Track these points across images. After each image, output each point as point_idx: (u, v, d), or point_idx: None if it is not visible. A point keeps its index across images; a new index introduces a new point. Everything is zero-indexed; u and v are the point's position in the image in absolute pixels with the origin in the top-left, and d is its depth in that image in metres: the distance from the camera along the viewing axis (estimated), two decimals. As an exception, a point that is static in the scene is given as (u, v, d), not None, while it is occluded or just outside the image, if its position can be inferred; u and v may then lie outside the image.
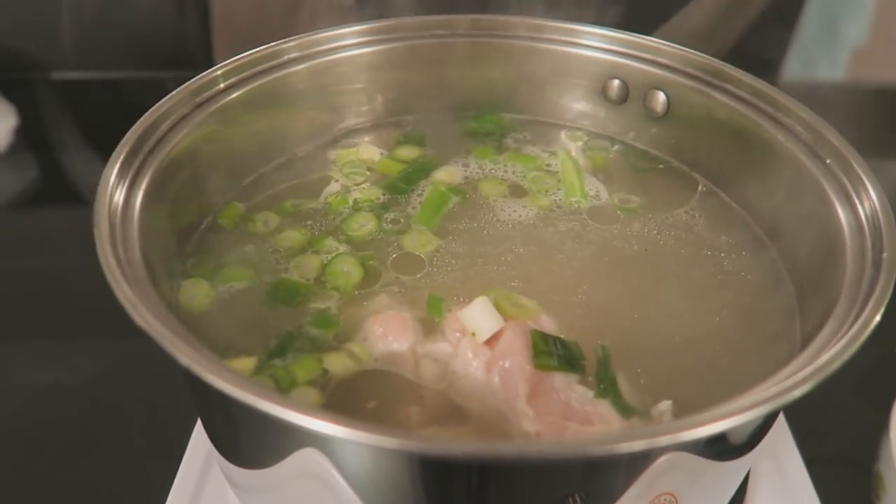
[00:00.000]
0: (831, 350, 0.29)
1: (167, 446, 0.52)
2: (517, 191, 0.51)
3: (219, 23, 1.17)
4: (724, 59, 0.49)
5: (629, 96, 0.55)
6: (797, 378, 0.28)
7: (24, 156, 0.90)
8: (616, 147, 0.56)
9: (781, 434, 0.53)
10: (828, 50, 1.87)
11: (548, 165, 0.53)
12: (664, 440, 0.26)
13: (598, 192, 0.51)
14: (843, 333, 0.30)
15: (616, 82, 0.55)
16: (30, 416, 0.58)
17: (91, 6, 1.08)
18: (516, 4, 0.59)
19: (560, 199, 0.50)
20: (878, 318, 0.31)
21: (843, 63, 1.86)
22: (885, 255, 0.33)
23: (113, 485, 0.53)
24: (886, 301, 0.31)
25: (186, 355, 0.29)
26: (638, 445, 0.26)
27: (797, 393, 0.28)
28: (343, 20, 0.53)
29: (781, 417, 0.54)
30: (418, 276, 0.44)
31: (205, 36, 1.10)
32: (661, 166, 0.54)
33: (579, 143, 0.56)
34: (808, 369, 0.29)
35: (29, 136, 0.90)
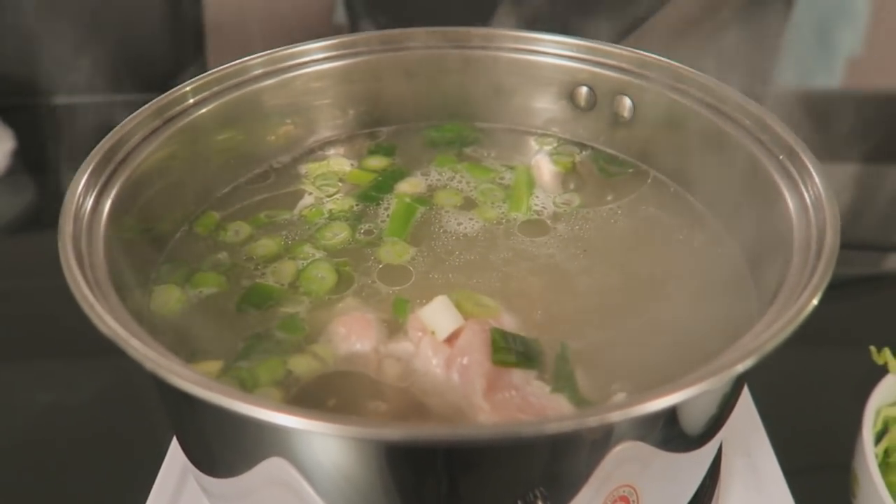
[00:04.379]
0: (768, 332, 0.30)
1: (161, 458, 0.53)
2: (469, 202, 0.52)
3: (213, 46, 1.20)
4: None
5: (597, 102, 0.56)
6: (732, 357, 0.29)
7: (22, 178, 0.92)
8: (586, 152, 0.57)
9: (755, 432, 0.54)
10: (823, 59, 1.88)
11: (501, 179, 0.54)
12: (592, 420, 0.27)
13: (544, 206, 0.52)
14: (783, 317, 0.31)
15: (584, 89, 0.56)
16: (30, 433, 0.59)
17: (87, 32, 1.11)
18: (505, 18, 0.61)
19: (504, 212, 0.51)
20: (814, 301, 0.31)
21: (839, 72, 1.86)
22: (826, 240, 0.34)
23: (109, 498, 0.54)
24: (824, 286, 0.32)
25: (143, 355, 0.30)
26: (567, 426, 0.27)
27: (729, 373, 0.28)
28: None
29: (755, 414, 0.54)
30: (393, 283, 0.45)
31: (200, 59, 1.13)
32: (629, 170, 0.55)
33: (548, 149, 0.58)
34: (744, 349, 0.29)
35: (27, 159, 0.92)
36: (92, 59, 1.07)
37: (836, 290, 0.74)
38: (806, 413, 0.57)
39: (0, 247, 0.84)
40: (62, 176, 0.93)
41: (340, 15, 1.53)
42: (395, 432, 0.28)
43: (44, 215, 0.87)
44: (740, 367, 0.30)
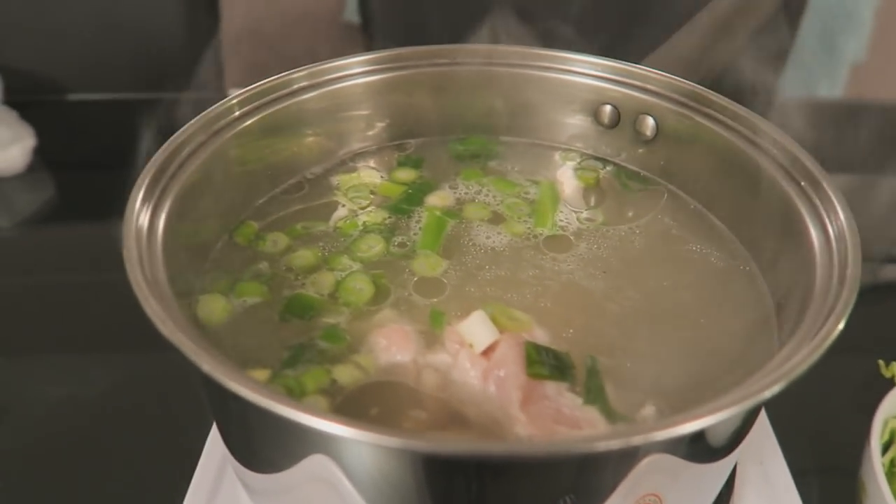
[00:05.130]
0: (795, 358, 0.32)
1: (182, 453, 0.54)
2: (496, 216, 0.54)
3: (229, 44, 1.21)
4: (715, 84, 0.52)
5: (620, 121, 0.58)
6: (761, 384, 0.31)
7: (42, 175, 0.93)
8: (608, 168, 0.59)
9: (768, 441, 0.56)
10: (827, 67, 1.90)
11: (526, 193, 0.56)
12: (637, 439, 0.29)
13: (568, 221, 0.54)
14: (809, 343, 0.33)
15: (608, 107, 0.58)
16: (46, 426, 0.61)
17: (105, 30, 1.12)
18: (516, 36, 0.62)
19: (531, 227, 0.53)
20: (840, 326, 0.33)
21: (843, 80, 1.88)
22: (848, 271, 0.36)
23: (130, 491, 0.56)
24: (848, 313, 0.34)
25: (210, 365, 0.32)
26: (614, 444, 0.29)
27: (759, 398, 0.31)
28: (349, 40, 0.56)
29: (767, 424, 0.57)
30: (429, 295, 0.47)
31: (216, 57, 1.14)
32: (651, 187, 0.57)
33: (572, 164, 0.60)
34: (773, 376, 0.31)
35: (46, 156, 0.93)
36: (110, 58, 1.09)
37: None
38: (816, 423, 0.59)
39: (20, 243, 0.86)
40: (81, 173, 0.94)
41: (350, 14, 1.54)
42: (447, 446, 0.30)
43: (63, 212, 0.89)
44: (767, 394, 0.32)
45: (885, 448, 0.53)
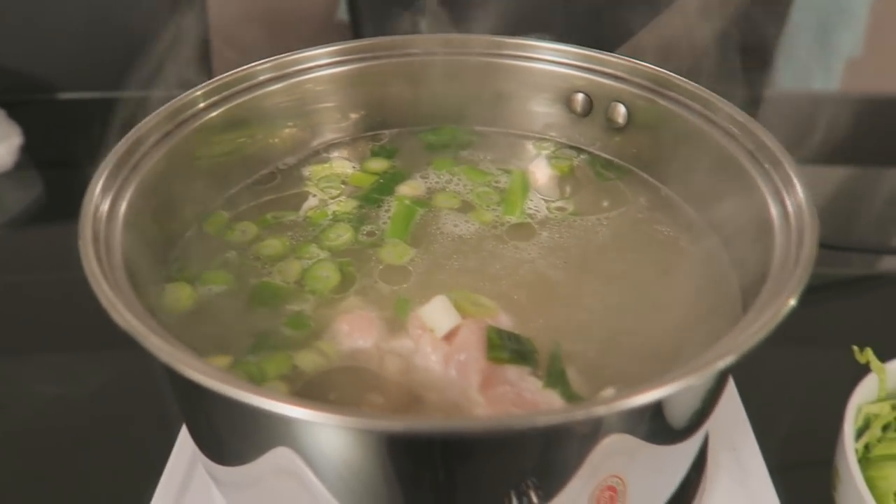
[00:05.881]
0: (743, 335, 0.32)
1: (168, 450, 0.55)
2: (466, 205, 0.54)
3: (217, 43, 1.22)
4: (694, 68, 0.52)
5: (593, 109, 0.58)
6: (705, 359, 0.31)
7: (30, 173, 0.94)
8: (582, 156, 0.59)
9: (741, 427, 0.56)
10: (822, 60, 1.89)
11: (497, 182, 0.56)
12: (579, 414, 0.29)
13: (537, 209, 0.54)
14: (759, 321, 0.33)
15: (580, 96, 0.58)
16: (36, 425, 0.61)
17: (93, 29, 1.13)
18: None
19: (499, 215, 0.53)
20: (792, 303, 0.33)
21: (838, 73, 1.88)
22: (803, 251, 0.36)
23: (112, 485, 0.56)
24: (800, 291, 0.34)
25: (162, 350, 0.32)
26: (556, 419, 0.29)
27: (703, 374, 0.31)
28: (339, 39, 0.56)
29: (741, 410, 0.57)
30: (394, 283, 0.47)
31: (205, 55, 1.14)
32: (624, 174, 0.57)
33: (546, 153, 0.59)
34: (717, 352, 0.31)
35: (34, 154, 0.94)
36: (98, 57, 1.09)
37: (824, 291, 0.76)
38: (791, 410, 0.59)
39: (8, 241, 0.86)
40: (69, 171, 0.95)
41: (342, 12, 1.54)
42: (395, 424, 0.30)
43: (51, 210, 0.89)
44: (721, 364, 0.32)
45: (860, 434, 0.53)
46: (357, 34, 1.22)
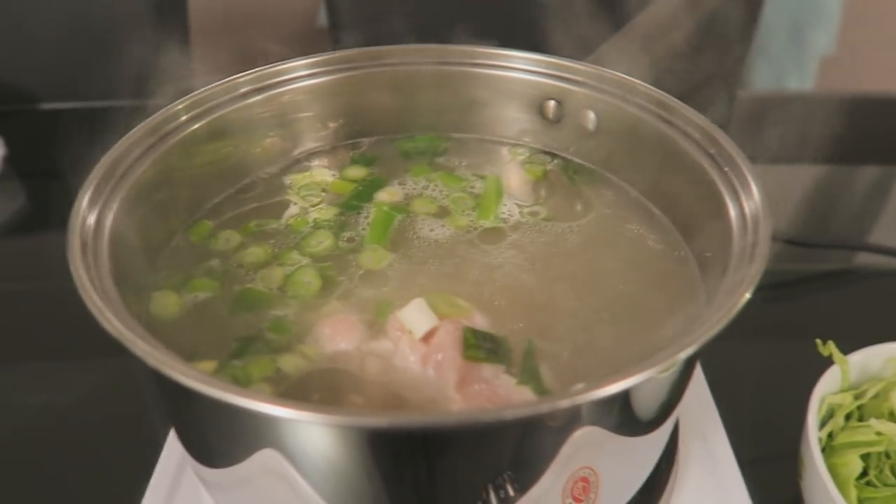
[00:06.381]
0: (699, 329, 0.34)
1: (157, 453, 0.56)
2: (442, 210, 0.56)
3: (199, 51, 1.23)
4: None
5: (564, 115, 0.60)
6: (662, 354, 0.33)
7: (13, 184, 0.94)
8: (556, 161, 0.61)
9: (710, 417, 0.58)
10: (796, 60, 1.93)
11: (472, 188, 0.58)
12: (545, 406, 0.31)
13: (511, 213, 0.55)
14: (714, 315, 0.35)
15: (552, 102, 0.60)
16: (24, 433, 0.62)
17: (75, 38, 1.14)
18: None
19: (474, 220, 0.55)
20: (747, 296, 0.36)
21: (812, 72, 1.91)
22: (758, 248, 0.39)
23: (101, 490, 0.57)
24: (753, 286, 0.36)
25: (148, 353, 0.34)
26: (523, 412, 0.31)
27: (660, 367, 0.33)
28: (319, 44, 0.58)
29: (711, 402, 0.59)
30: (374, 287, 0.49)
31: (187, 64, 1.15)
32: (596, 179, 0.59)
33: (521, 158, 0.61)
34: (675, 346, 0.33)
35: (17, 164, 0.94)
36: (81, 67, 1.10)
37: (795, 286, 0.79)
38: (759, 402, 0.61)
39: (-8, 251, 0.87)
40: (53, 181, 0.95)
41: (322, 17, 1.56)
42: (373, 420, 0.32)
43: (35, 220, 0.90)
44: (682, 355, 0.34)
45: (824, 423, 0.55)
46: (336, 39, 1.23)
